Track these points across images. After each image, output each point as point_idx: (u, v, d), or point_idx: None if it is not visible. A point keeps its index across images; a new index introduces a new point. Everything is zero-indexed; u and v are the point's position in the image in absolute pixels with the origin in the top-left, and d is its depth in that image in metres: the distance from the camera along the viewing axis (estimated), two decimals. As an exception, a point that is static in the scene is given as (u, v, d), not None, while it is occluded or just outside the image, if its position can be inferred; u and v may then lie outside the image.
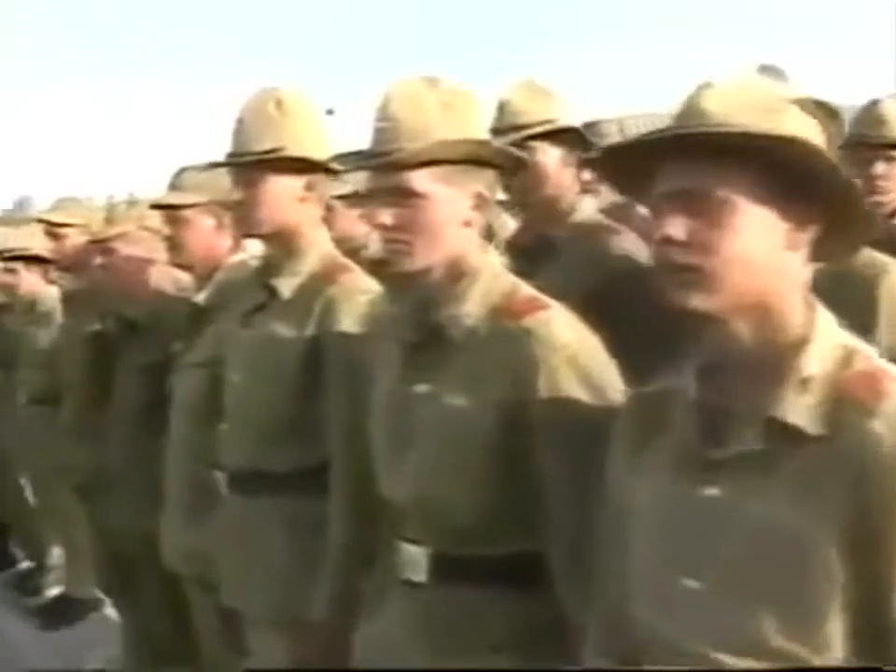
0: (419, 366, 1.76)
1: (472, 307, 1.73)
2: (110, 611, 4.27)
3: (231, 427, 2.28)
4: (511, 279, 1.78)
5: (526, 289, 1.76)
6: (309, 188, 2.20)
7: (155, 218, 2.95)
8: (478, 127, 1.79)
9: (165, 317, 2.98)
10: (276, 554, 2.20)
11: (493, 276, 1.77)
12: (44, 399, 4.21)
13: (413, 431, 1.75)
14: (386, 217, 1.72)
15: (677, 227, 1.29)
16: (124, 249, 3.14)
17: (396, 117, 1.73)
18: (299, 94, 2.23)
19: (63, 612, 4.74)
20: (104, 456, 3.27)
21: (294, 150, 2.17)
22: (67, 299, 4.00)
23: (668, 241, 1.30)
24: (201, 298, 2.74)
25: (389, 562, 1.84)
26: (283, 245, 2.23)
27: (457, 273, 1.76)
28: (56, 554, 5.07)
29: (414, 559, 1.76)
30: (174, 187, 2.78)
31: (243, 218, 2.25)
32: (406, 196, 1.71)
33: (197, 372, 2.63)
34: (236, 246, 2.78)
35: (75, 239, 3.72)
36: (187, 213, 2.72)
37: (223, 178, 2.43)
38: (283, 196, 2.18)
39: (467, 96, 1.78)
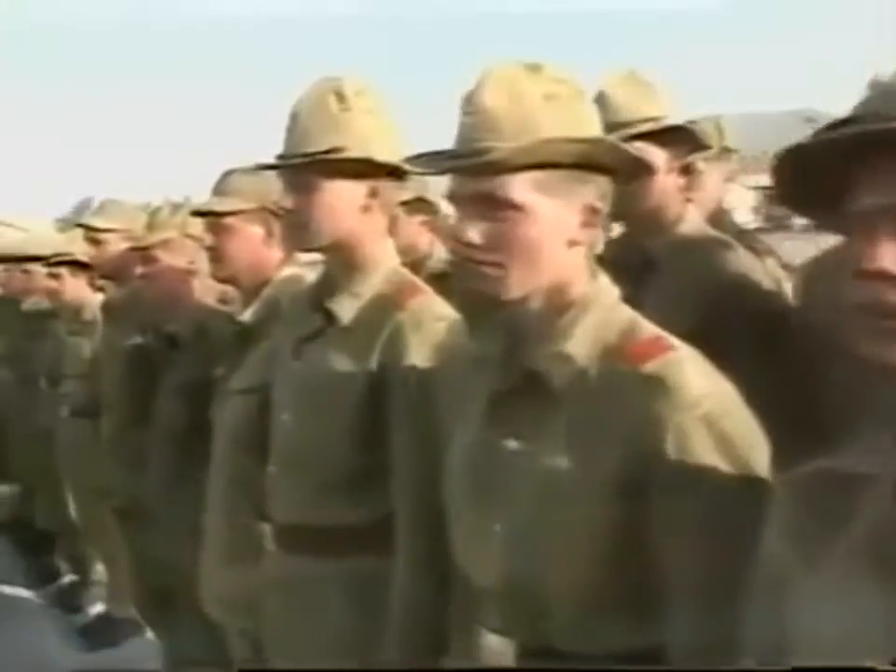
0: (510, 416, 1.38)
1: (579, 347, 1.35)
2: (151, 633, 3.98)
3: (280, 472, 1.91)
4: (629, 312, 1.39)
5: (648, 326, 1.37)
6: (373, 194, 1.83)
7: (200, 225, 2.59)
8: (589, 123, 1.39)
9: (208, 335, 2.67)
10: (331, 621, 1.83)
11: (606, 308, 1.38)
12: (85, 411, 3.93)
13: (502, 498, 1.37)
14: (474, 233, 1.34)
15: None
16: (166, 258, 2.83)
17: (489, 109, 1.34)
18: (364, 85, 1.85)
19: (105, 632, 4.47)
20: (142, 482, 2.97)
21: (357, 151, 1.80)
22: (108, 308, 3.69)
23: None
24: (247, 316, 2.37)
25: (465, 644, 1.47)
26: (342, 260, 1.87)
27: (561, 305, 1.38)
28: (100, 570, 4.80)
29: (498, 651, 1.39)
30: (218, 191, 2.42)
31: (295, 229, 1.88)
32: (500, 207, 1.33)
33: (241, 401, 2.27)
34: (287, 259, 2.40)
35: (116, 245, 3.45)
36: (231, 221, 2.37)
37: (274, 182, 2.07)
38: (343, 204, 1.82)
39: (574, 86, 1.40)
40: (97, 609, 4.72)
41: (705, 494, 1.26)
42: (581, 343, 1.35)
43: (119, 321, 3.40)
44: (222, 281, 2.49)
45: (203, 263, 2.63)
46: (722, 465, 1.26)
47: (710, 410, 1.27)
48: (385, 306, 1.80)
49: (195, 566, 2.44)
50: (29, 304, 4.93)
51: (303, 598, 1.87)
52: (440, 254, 3.22)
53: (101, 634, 4.45)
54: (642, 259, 1.97)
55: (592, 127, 1.39)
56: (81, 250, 3.88)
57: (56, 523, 5.01)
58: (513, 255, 1.35)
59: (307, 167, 1.81)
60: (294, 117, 1.83)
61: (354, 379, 1.78)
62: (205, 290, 2.81)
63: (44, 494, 5.07)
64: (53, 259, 4.19)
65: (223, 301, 2.86)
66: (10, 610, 4.81)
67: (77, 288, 4.22)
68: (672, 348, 1.33)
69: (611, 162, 1.37)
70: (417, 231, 3.08)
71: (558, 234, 1.36)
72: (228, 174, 2.42)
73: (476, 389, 1.45)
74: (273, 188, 2.13)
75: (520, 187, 1.33)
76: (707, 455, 1.27)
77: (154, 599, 3.21)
